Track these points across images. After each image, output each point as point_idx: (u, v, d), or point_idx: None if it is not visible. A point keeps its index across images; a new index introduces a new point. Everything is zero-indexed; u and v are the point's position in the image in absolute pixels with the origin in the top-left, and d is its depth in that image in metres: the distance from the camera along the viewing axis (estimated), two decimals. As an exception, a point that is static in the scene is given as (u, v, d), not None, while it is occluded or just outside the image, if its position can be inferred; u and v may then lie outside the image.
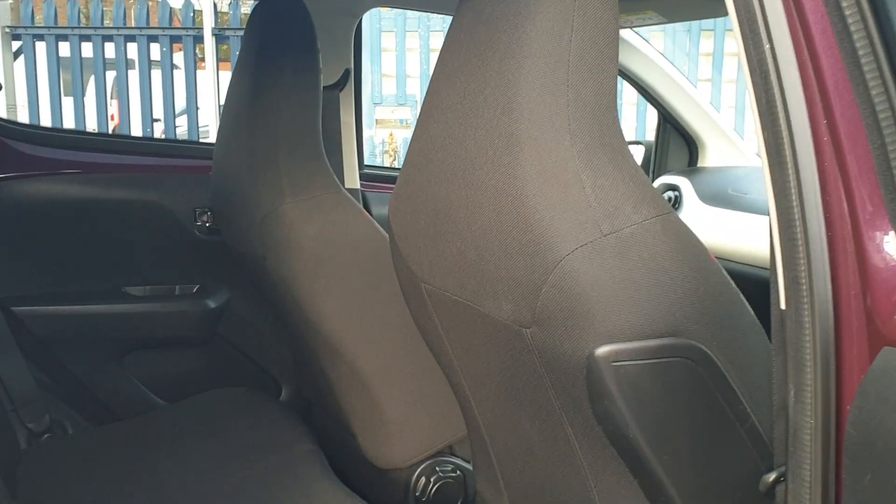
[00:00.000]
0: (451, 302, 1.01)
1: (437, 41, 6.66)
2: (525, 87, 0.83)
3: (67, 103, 6.70)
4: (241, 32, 6.55)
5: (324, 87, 1.60)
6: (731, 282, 0.87)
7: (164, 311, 1.93)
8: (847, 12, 0.67)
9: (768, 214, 0.77)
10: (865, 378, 0.64)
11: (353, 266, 1.46)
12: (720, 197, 2.19)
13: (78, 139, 2.03)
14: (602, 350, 0.80)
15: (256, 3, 1.52)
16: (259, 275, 1.62)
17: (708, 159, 2.51)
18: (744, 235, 2.05)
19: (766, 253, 1.90)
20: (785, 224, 0.73)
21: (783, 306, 0.75)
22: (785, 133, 0.72)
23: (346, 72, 2.05)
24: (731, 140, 2.50)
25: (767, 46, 0.73)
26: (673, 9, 1.85)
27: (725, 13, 1.88)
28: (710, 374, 0.83)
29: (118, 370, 1.92)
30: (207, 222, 1.95)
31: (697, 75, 5.53)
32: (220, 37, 6.52)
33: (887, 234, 0.66)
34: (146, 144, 2.11)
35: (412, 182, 1.03)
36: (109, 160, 1.96)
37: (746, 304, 0.87)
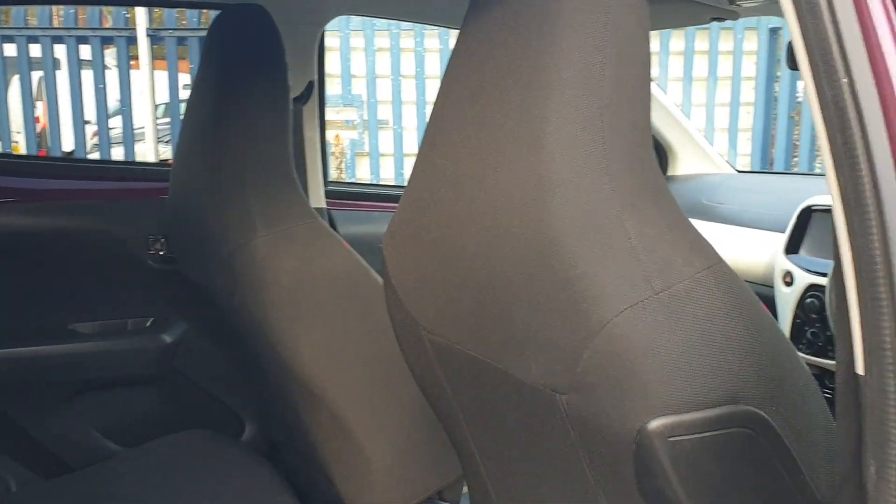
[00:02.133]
0: (462, 356, 0.90)
1: (383, 41, 6.53)
2: (555, 122, 0.73)
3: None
4: (178, 32, 6.32)
5: None
6: (784, 334, 0.78)
7: (116, 349, 1.78)
8: None
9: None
10: None
11: (335, 303, 1.34)
12: (694, 208, 2.13)
13: (11, 163, 1.86)
14: (656, 424, 0.70)
15: (217, 13, 1.39)
16: (224, 310, 1.48)
17: (679, 168, 2.46)
18: (719, 247, 1.99)
19: (745, 265, 1.84)
20: (867, 282, 0.64)
21: (861, 371, 0.67)
22: (867, 179, 0.63)
23: (310, 84, 1.92)
24: (703, 148, 2.44)
25: (845, 80, 0.64)
26: (658, 16, 1.78)
27: (706, 20, 1.81)
28: (771, 443, 0.74)
29: (67, 416, 1.76)
30: (161, 250, 1.79)
31: (668, 75, 5.49)
32: (154, 37, 6.28)
33: None
34: (92, 168, 1.95)
35: (414, 222, 0.92)
36: (50, 186, 1.79)
37: (800, 357, 0.79)
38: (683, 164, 2.44)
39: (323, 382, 1.36)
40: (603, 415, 0.73)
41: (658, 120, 2.37)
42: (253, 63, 1.34)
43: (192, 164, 1.43)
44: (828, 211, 1.59)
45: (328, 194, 2.11)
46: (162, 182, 1.66)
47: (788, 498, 0.76)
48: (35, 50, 6.21)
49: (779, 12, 2.03)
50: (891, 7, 0.64)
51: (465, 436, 1.03)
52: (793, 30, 0.67)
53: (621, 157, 0.73)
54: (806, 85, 0.68)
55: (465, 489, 1.39)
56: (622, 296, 0.70)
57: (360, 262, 1.36)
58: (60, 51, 6.27)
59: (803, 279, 1.56)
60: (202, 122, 1.39)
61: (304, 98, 1.91)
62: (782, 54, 5.28)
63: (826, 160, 0.67)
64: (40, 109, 6.77)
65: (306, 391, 1.38)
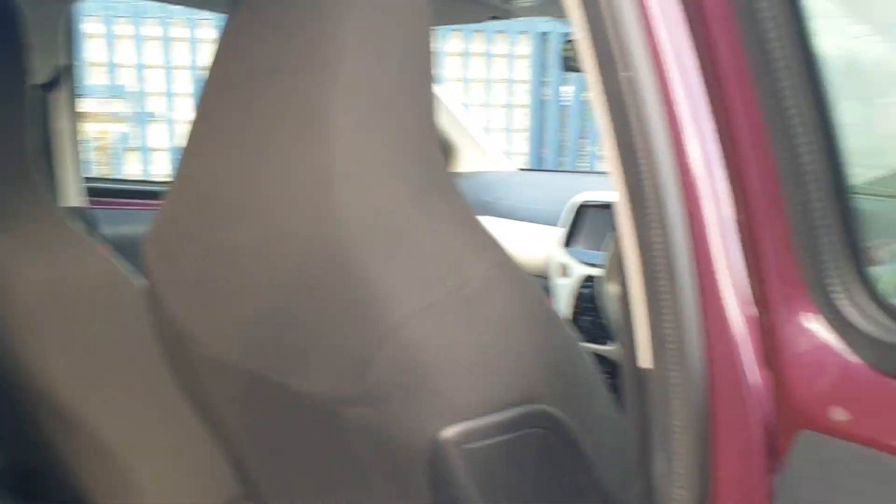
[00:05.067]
0: (236, 370, 0.82)
1: (154, 30, 6.12)
2: (336, 110, 0.67)
3: None
4: None
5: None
6: (570, 330, 0.78)
7: None
8: (761, 16, 0.58)
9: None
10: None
11: (89, 316, 1.19)
12: (476, 204, 2.17)
13: None
14: (450, 432, 0.66)
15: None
16: None
17: (461, 165, 2.49)
18: (506, 241, 2.04)
19: (524, 258, 1.90)
20: (650, 276, 0.64)
21: (646, 365, 0.67)
22: (647, 175, 0.63)
23: (59, 69, 1.71)
24: (483, 146, 2.49)
25: (626, 74, 0.63)
26: (439, 12, 1.77)
27: (484, 18, 1.83)
28: (564, 441, 0.73)
29: None
30: None
31: (448, 74, 5.59)
32: None
33: (800, 304, 0.59)
34: None
35: (182, 221, 0.82)
36: None
37: (586, 353, 0.79)
38: (465, 162, 2.48)
39: (79, 404, 1.20)
40: (395, 426, 0.69)
41: (440, 118, 2.38)
42: None
43: None
44: (600, 206, 1.67)
45: (88, 192, 1.90)
46: None
47: (583, 496, 0.75)
48: None
49: (551, 13, 2.11)
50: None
51: (244, 455, 0.95)
52: (575, 23, 0.66)
53: (408, 150, 0.69)
54: (589, 80, 0.67)
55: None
56: (414, 297, 0.65)
57: (117, 268, 1.22)
58: None
59: (579, 270, 1.63)
60: None
61: (51, 85, 1.69)
62: (552, 58, 5.59)
63: (609, 155, 0.66)
64: None
65: (61, 415, 1.22)
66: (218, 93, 0.78)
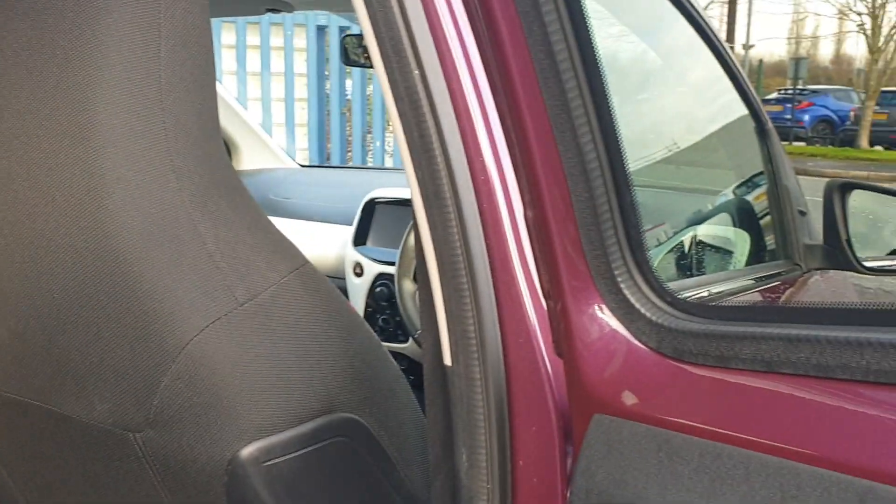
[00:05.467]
0: (1, 400, 0.72)
1: None
2: (103, 107, 0.61)
3: None
4: None
5: None
6: (372, 332, 0.76)
7: None
8: (547, 18, 0.58)
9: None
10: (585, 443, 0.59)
11: None
12: (262, 204, 2.09)
13: None
14: (249, 450, 0.63)
15: None
16: None
17: (243, 162, 2.39)
18: (295, 242, 1.99)
19: (316, 258, 1.86)
20: (449, 274, 0.64)
21: (448, 362, 0.67)
22: (444, 172, 0.63)
23: None
24: (265, 142, 2.42)
25: (416, 72, 0.63)
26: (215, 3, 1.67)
27: (262, 11, 1.76)
28: (366, 447, 0.71)
29: None
30: None
31: (222, 68, 5.32)
32: None
33: (588, 295, 0.61)
34: None
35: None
36: None
37: (389, 355, 0.78)
38: (246, 159, 2.39)
39: None
40: (188, 449, 0.63)
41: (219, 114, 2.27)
42: None
43: None
44: (391, 203, 1.67)
45: None
46: None
47: (386, 498, 0.74)
48: None
49: (330, 6, 2.08)
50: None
51: (10, 490, 0.84)
52: (362, 20, 0.65)
53: (188, 150, 0.64)
54: (379, 78, 0.66)
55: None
56: (202, 311, 0.61)
57: None
58: None
59: (372, 269, 1.62)
60: None
61: None
62: (331, 52, 5.54)
63: (403, 154, 0.65)
64: None
65: None
66: None
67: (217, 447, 0.62)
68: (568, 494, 0.61)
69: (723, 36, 1.12)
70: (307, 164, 3.09)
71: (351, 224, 1.71)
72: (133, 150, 0.61)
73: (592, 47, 0.58)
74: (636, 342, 0.59)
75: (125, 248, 0.60)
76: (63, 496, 0.79)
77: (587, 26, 0.58)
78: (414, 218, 0.66)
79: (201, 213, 0.63)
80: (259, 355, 0.62)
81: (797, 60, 15.33)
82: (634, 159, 0.84)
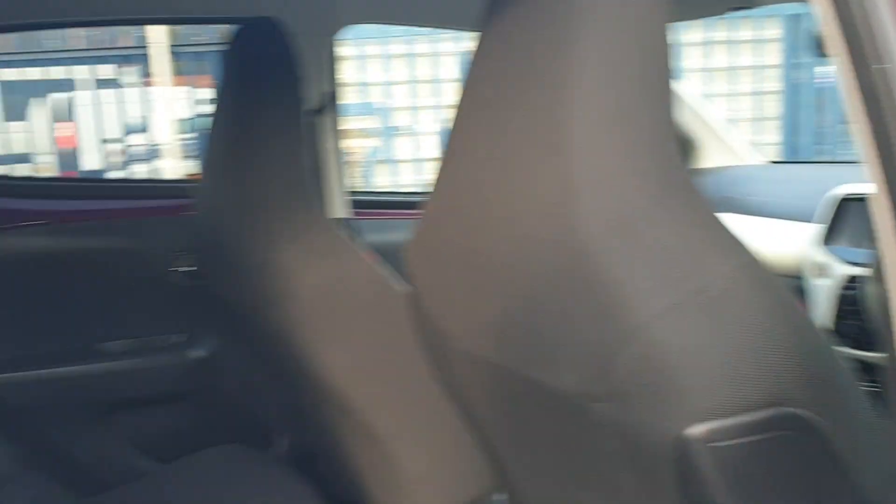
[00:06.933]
0: (490, 366, 0.89)
1: (398, 48, 6.53)
2: (577, 123, 0.71)
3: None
4: (197, 48, 6.38)
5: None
6: (822, 331, 0.76)
7: (146, 366, 1.78)
8: None
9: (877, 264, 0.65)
10: None
11: (358, 316, 1.33)
12: (723, 201, 2.09)
13: (42, 187, 1.88)
14: (697, 430, 0.68)
15: (234, 29, 1.39)
16: (251, 325, 1.47)
17: (705, 160, 2.42)
18: (752, 239, 1.95)
19: (774, 257, 1.80)
20: None
21: None
22: None
23: (326, 95, 1.92)
24: (726, 139, 2.40)
25: (878, 67, 0.61)
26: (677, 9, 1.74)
27: (723, 10, 1.77)
28: (816, 445, 0.71)
29: (102, 434, 1.77)
30: (188, 267, 1.79)
31: (685, 65, 5.38)
32: (176, 53, 6.37)
33: None
34: (117, 187, 1.96)
35: (438, 231, 0.91)
36: (77, 207, 1.81)
37: (841, 357, 0.76)
38: (709, 157, 2.41)
39: (351, 394, 1.35)
40: (641, 422, 0.71)
41: (680, 113, 2.33)
42: (268, 77, 1.34)
43: (218, 181, 1.43)
44: (862, 199, 1.55)
45: (350, 204, 2.10)
46: (183, 198, 1.66)
47: (836, 499, 0.73)
48: (57, 72, 6.31)
49: (795, -1, 1.99)
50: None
51: (497, 445, 1.02)
52: (823, 15, 0.65)
53: (647, 154, 0.71)
54: (839, 72, 0.65)
55: (495, 497, 1.37)
56: (656, 298, 0.68)
57: (379, 272, 1.35)
58: (80, 71, 6.37)
59: (841, 270, 1.52)
60: (225, 138, 1.39)
61: (320, 110, 1.90)
62: (804, 39, 5.20)
63: (865, 149, 0.64)
64: (67, 129, 6.88)
65: (335, 403, 1.37)
66: (470, 110, 0.85)
67: (667, 423, 0.69)
68: None
69: None
70: (776, 159, 2.98)
71: (818, 221, 1.63)
72: (600, 158, 0.71)
73: None
74: None
75: (591, 243, 0.70)
76: (538, 455, 0.94)
77: None
78: (875, 216, 0.64)
79: (659, 210, 0.70)
80: (708, 344, 0.67)
81: None
82: None
